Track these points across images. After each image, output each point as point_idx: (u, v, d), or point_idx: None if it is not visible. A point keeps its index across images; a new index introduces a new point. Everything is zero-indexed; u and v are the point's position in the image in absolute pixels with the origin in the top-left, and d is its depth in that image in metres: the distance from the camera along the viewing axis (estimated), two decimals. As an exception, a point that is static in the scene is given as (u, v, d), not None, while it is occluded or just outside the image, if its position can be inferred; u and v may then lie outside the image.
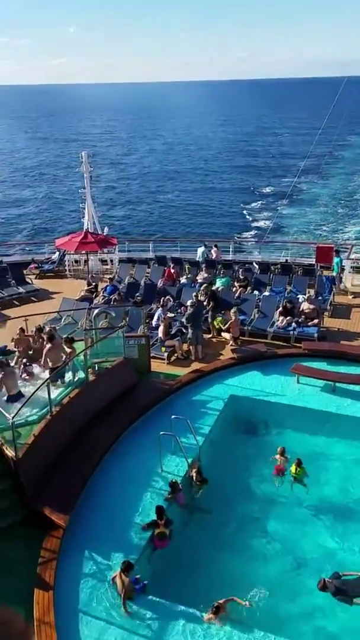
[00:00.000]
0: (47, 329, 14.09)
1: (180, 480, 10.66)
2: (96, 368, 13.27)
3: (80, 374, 12.82)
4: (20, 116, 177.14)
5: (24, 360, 13.33)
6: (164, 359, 15.21)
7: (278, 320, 16.57)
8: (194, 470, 10.87)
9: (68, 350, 12.71)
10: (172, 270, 20.59)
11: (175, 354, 15.50)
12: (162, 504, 9.91)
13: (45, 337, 13.14)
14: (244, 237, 39.78)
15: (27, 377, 12.84)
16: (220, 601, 7.98)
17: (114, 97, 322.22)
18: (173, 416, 11.73)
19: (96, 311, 14.65)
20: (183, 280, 20.12)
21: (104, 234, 22.99)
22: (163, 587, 8.56)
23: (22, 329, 14.46)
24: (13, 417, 10.27)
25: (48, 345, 12.60)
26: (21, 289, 20.81)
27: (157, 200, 56.06)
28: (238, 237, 37.83)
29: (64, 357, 12.61)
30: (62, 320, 16.34)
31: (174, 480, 10.50)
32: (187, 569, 9.18)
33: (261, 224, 45.14)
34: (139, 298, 18.11)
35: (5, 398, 11.92)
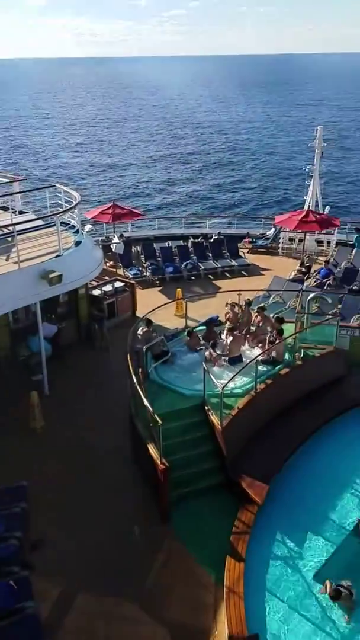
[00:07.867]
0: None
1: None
2: (302, 353, 13.00)
3: (287, 357, 12.72)
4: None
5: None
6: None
7: None
8: None
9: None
10: None
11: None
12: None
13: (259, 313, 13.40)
14: None
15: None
16: None
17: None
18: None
19: (311, 295, 14.27)
20: None
21: (325, 213, 22.11)
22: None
23: (234, 303, 14.75)
24: (223, 387, 10.68)
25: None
26: (234, 262, 21.34)
27: None
28: None
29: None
30: (271, 298, 16.29)
31: None
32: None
33: None
34: (356, 286, 17.12)
35: (226, 360, 12.45)
